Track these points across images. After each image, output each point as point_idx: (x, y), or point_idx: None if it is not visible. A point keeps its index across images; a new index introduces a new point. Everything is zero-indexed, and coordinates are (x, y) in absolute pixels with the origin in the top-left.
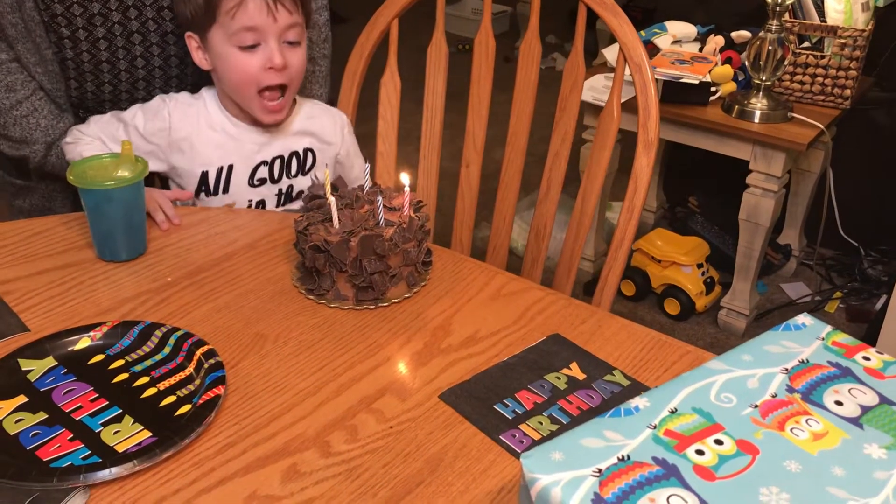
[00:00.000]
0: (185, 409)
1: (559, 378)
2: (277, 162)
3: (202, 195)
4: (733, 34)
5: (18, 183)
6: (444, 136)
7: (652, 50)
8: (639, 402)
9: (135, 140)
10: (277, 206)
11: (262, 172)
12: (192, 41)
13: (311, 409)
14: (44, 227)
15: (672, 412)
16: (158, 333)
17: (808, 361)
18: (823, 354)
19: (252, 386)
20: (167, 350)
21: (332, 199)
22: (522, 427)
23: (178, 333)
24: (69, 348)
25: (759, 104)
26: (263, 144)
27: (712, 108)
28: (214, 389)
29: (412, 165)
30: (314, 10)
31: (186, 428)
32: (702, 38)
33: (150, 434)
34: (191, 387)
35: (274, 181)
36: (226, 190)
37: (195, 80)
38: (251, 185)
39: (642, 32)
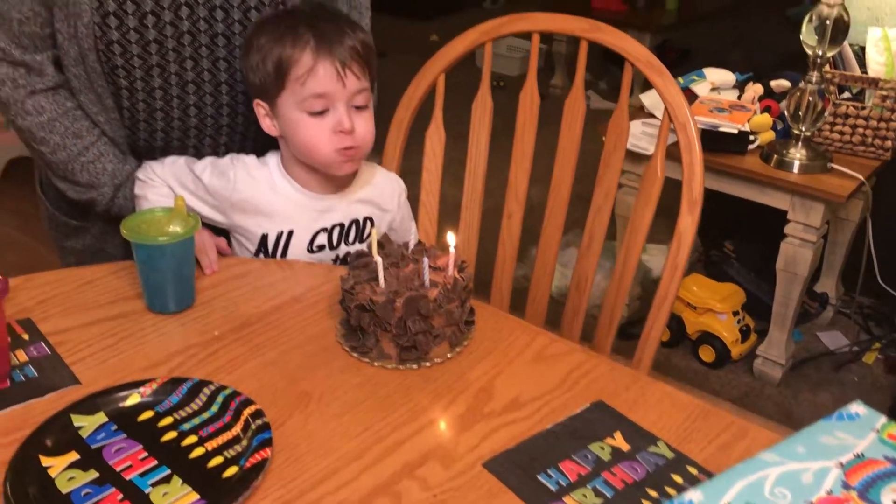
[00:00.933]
0: (233, 471)
1: (603, 448)
2: (337, 229)
3: (260, 255)
4: (772, 83)
5: (73, 224)
6: None
7: (690, 97)
8: (692, 495)
9: (201, 193)
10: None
11: (321, 239)
12: (260, 109)
13: (356, 473)
14: (94, 275)
15: None
16: (207, 391)
17: (863, 455)
18: (879, 448)
19: (297, 447)
20: (215, 408)
21: (378, 260)
22: (566, 500)
23: (227, 392)
24: (119, 404)
25: (798, 154)
26: (324, 211)
27: (750, 156)
28: (261, 452)
29: (452, 209)
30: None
31: (234, 492)
32: (740, 86)
33: (199, 496)
34: (238, 447)
35: (332, 248)
36: (283, 254)
37: (244, 128)
38: (309, 250)
39: (680, 79)
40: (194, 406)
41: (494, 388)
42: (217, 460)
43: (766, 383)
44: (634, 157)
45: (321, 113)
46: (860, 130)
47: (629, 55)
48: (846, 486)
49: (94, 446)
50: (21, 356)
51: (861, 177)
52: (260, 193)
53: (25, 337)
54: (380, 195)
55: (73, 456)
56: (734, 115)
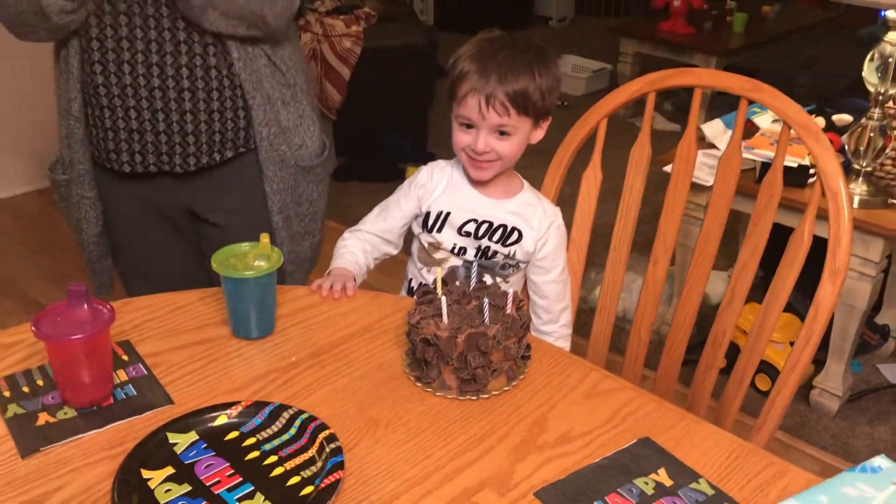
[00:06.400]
0: (309, 490)
1: (647, 483)
2: (485, 225)
3: (421, 227)
4: (834, 117)
5: None
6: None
7: (751, 129)
8: None
9: (412, 190)
10: (475, 256)
11: (470, 227)
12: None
13: (418, 497)
14: (185, 301)
15: None
16: (286, 415)
17: None
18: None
19: (365, 470)
20: (293, 431)
21: (443, 298)
22: None
23: (304, 416)
24: (209, 424)
25: (857, 189)
26: (478, 205)
27: (810, 189)
28: (335, 474)
29: (601, 243)
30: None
31: None
32: None
33: None
34: (313, 468)
35: (476, 238)
36: (439, 230)
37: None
38: (459, 233)
39: None
40: (275, 428)
41: (548, 421)
42: (294, 479)
43: (823, 415)
44: (693, 187)
45: (469, 127)
46: None
47: (787, 117)
48: None
49: (186, 462)
50: (122, 375)
51: None
52: (440, 184)
53: (125, 358)
54: (531, 214)
55: (170, 470)
56: (795, 148)
